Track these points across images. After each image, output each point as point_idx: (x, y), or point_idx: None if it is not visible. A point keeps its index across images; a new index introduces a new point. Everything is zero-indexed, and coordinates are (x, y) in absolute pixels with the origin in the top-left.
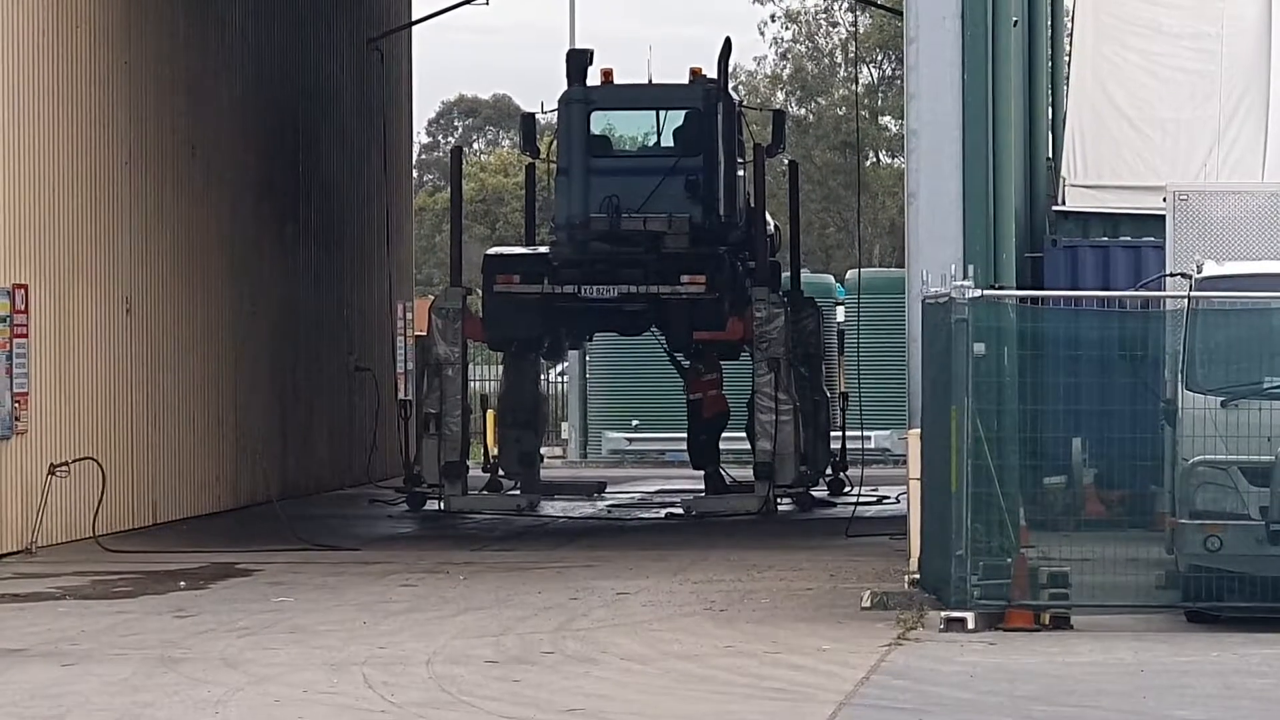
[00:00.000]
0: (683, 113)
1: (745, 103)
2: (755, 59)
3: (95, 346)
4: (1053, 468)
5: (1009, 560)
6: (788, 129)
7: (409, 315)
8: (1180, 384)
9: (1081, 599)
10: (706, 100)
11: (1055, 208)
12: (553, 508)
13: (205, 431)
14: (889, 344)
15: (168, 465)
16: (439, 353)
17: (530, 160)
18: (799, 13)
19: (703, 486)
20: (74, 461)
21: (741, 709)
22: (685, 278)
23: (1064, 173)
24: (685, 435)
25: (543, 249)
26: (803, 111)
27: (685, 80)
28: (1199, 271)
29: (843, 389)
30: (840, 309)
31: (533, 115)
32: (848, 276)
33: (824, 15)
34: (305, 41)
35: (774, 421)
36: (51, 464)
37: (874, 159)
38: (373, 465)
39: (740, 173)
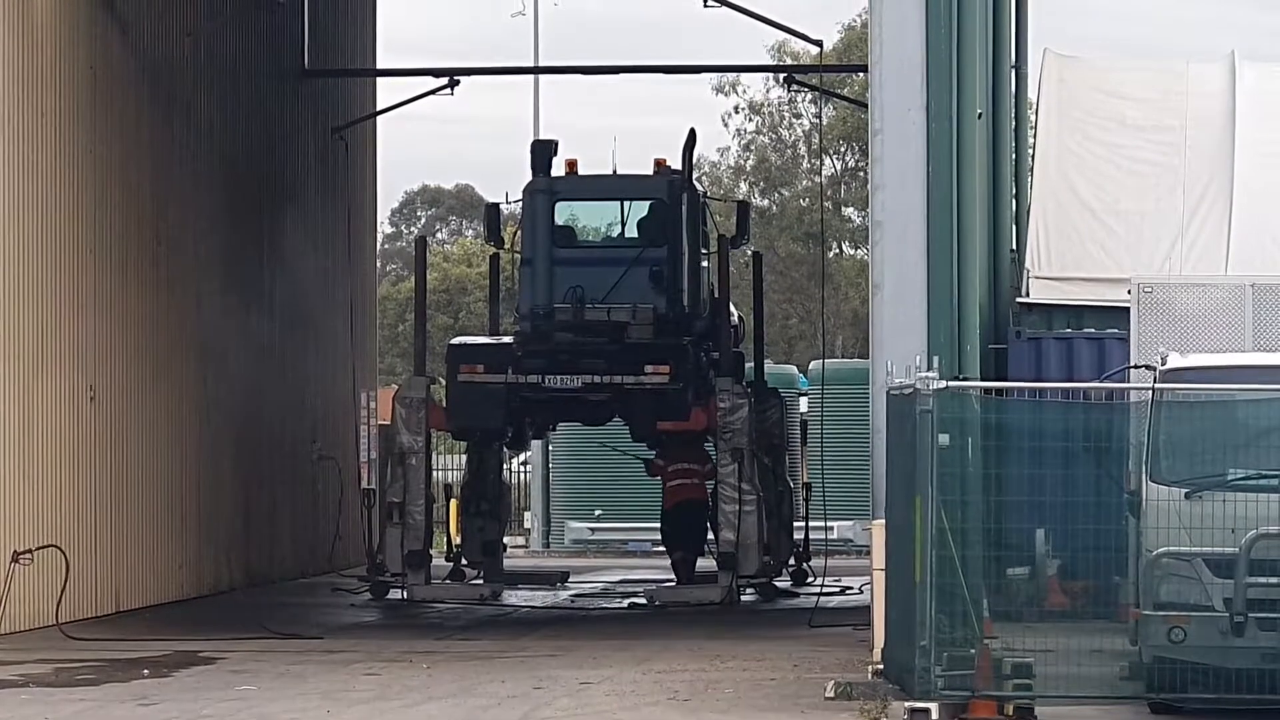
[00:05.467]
0: (647, 203)
1: (709, 193)
2: (719, 150)
3: (59, 433)
4: (1016, 559)
5: (973, 651)
6: (752, 220)
7: (373, 404)
8: (1144, 475)
9: (1045, 690)
10: (671, 191)
11: (1019, 299)
12: (516, 597)
13: (168, 519)
14: (852, 435)
15: (131, 553)
16: (403, 442)
17: (494, 250)
18: (762, 104)
19: (664, 576)
20: (37, 549)
21: None
22: (649, 368)
23: (1028, 264)
24: (648, 525)
25: (507, 339)
26: (766, 202)
27: (649, 171)
28: (1163, 363)
29: (806, 479)
30: (803, 400)
31: (497, 205)
32: (811, 367)
33: (787, 107)
34: (270, 130)
35: (737, 511)
36: (14, 551)
37: (838, 250)
38: (336, 554)
39: (704, 263)
